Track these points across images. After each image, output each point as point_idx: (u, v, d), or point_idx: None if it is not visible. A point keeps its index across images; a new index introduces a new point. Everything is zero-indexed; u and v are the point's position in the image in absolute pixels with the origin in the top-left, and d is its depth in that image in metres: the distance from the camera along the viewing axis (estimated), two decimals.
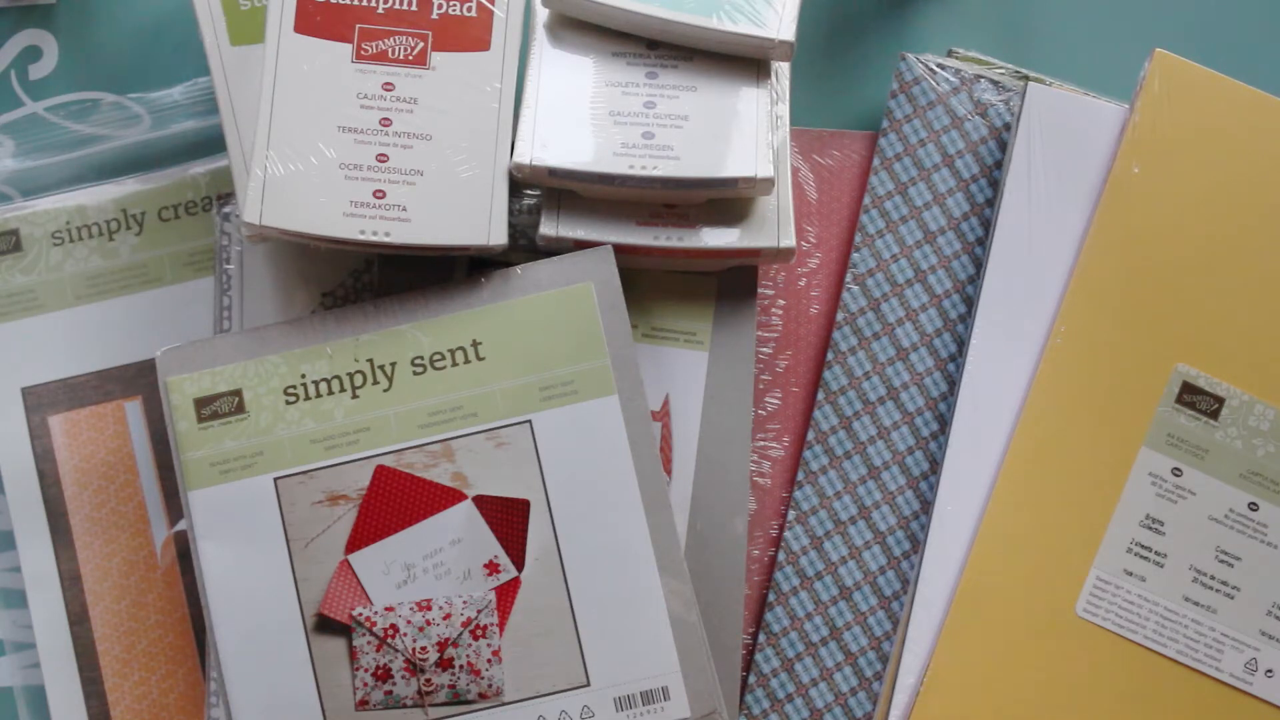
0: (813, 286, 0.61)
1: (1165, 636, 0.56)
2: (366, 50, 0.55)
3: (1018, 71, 0.62)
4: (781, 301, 0.61)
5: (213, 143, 0.63)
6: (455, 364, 0.55)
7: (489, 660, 0.53)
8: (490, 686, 0.53)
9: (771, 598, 0.59)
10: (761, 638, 0.58)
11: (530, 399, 0.54)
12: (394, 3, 0.56)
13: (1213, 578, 0.57)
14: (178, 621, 0.59)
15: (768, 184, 0.54)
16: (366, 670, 0.53)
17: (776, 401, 0.60)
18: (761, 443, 0.60)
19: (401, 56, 0.55)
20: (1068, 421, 0.57)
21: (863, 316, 0.60)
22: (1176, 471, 0.57)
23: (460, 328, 0.55)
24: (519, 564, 0.54)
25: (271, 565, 0.53)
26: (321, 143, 0.54)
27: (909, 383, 0.60)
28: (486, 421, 0.54)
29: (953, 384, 0.59)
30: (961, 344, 0.59)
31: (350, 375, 0.55)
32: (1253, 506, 0.57)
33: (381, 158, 0.54)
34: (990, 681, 0.56)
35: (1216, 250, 0.58)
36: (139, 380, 0.60)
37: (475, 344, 0.55)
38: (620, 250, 0.56)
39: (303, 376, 0.55)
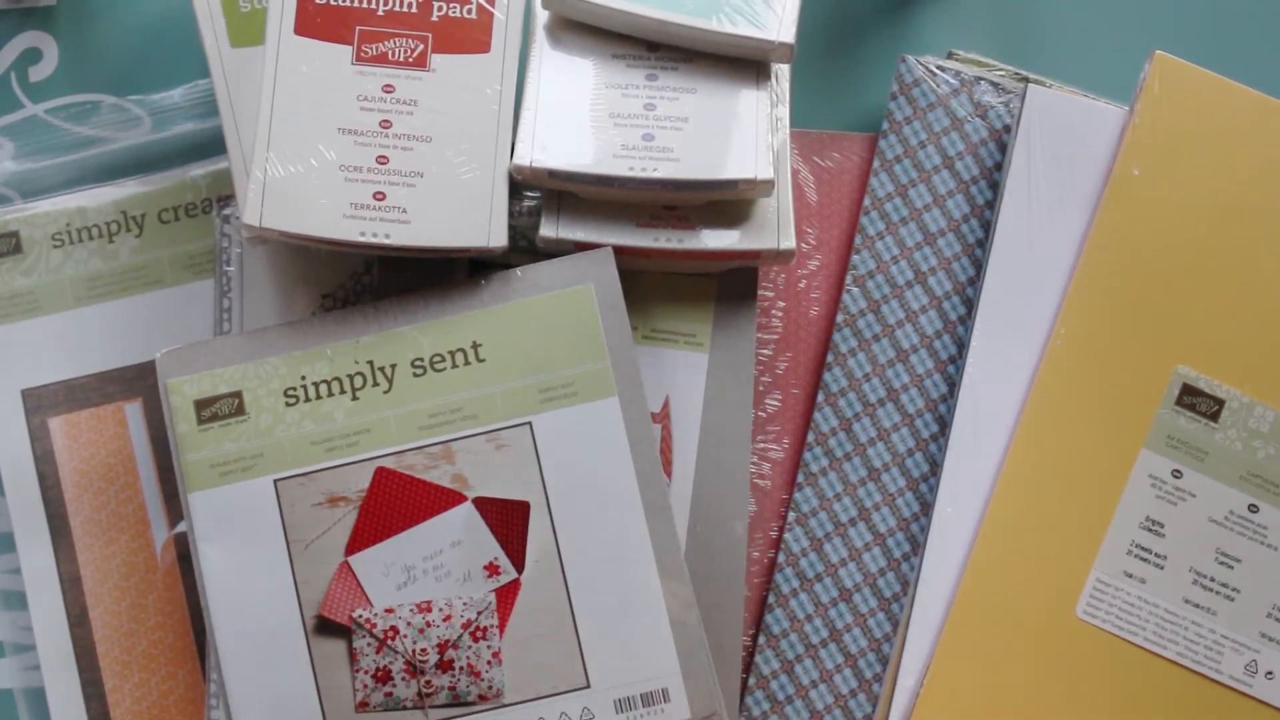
0: (813, 288, 0.61)
1: (1165, 638, 0.56)
2: (366, 52, 0.55)
3: (1018, 73, 0.62)
4: (781, 303, 0.61)
5: (213, 145, 0.63)
6: (455, 366, 0.55)
7: (489, 662, 0.53)
8: (490, 688, 0.53)
9: (771, 599, 0.59)
10: (761, 639, 0.58)
11: (530, 401, 0.54)
12: (394, 5, 0.56)
13: (1213, 580, 0.57)
14: (178, 623, 0.59)
15: (768, 186, 0.54)
16: (366, 672, 0.53)
17: (776, 403, 0.60)
18: (761, 444, 0.60)
19: (401, 58, 0.55)
20: (1068, 423, 0.57)
21: (863, 318, 0.60)
22: (1176, 473, 0.57)
23: (460, 329, 0.55)
24: (519, 566, 0.54)
25: (271, 567, 0.53)
26: (321, 144, 0.54)
27: (909, 384, 0.60)
28: (486, 423, 0.54)
29: (953, 386, 0.59)
30: (961, 346, 0.59)
31: (350, 377, 0.55)
32: (1253, 508, 0.57)
33: (381, 159, 0.54)
34: (990, 683, 0.56)
35: (1216, 252, 0.58)
36: (139, 382, 0.60)
37: (475, 346, 0.55)
38: (620, 252, 0.56)
39: (303, 378, 0.55)
